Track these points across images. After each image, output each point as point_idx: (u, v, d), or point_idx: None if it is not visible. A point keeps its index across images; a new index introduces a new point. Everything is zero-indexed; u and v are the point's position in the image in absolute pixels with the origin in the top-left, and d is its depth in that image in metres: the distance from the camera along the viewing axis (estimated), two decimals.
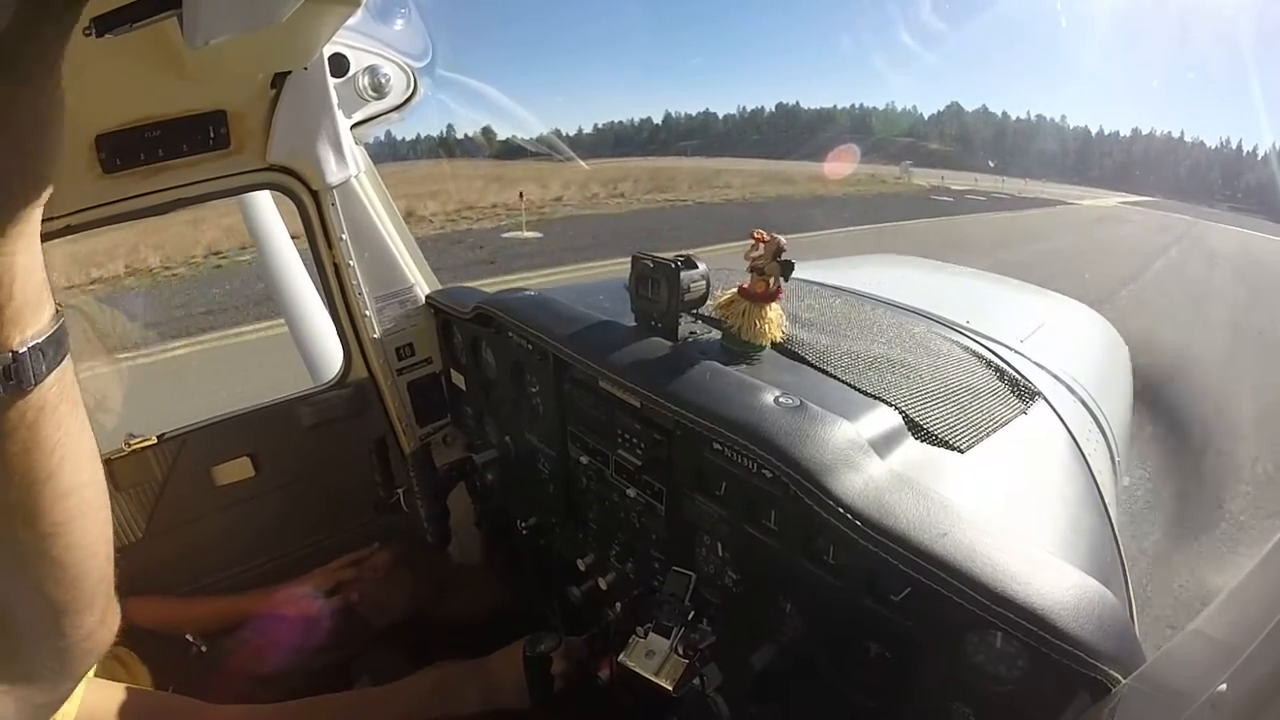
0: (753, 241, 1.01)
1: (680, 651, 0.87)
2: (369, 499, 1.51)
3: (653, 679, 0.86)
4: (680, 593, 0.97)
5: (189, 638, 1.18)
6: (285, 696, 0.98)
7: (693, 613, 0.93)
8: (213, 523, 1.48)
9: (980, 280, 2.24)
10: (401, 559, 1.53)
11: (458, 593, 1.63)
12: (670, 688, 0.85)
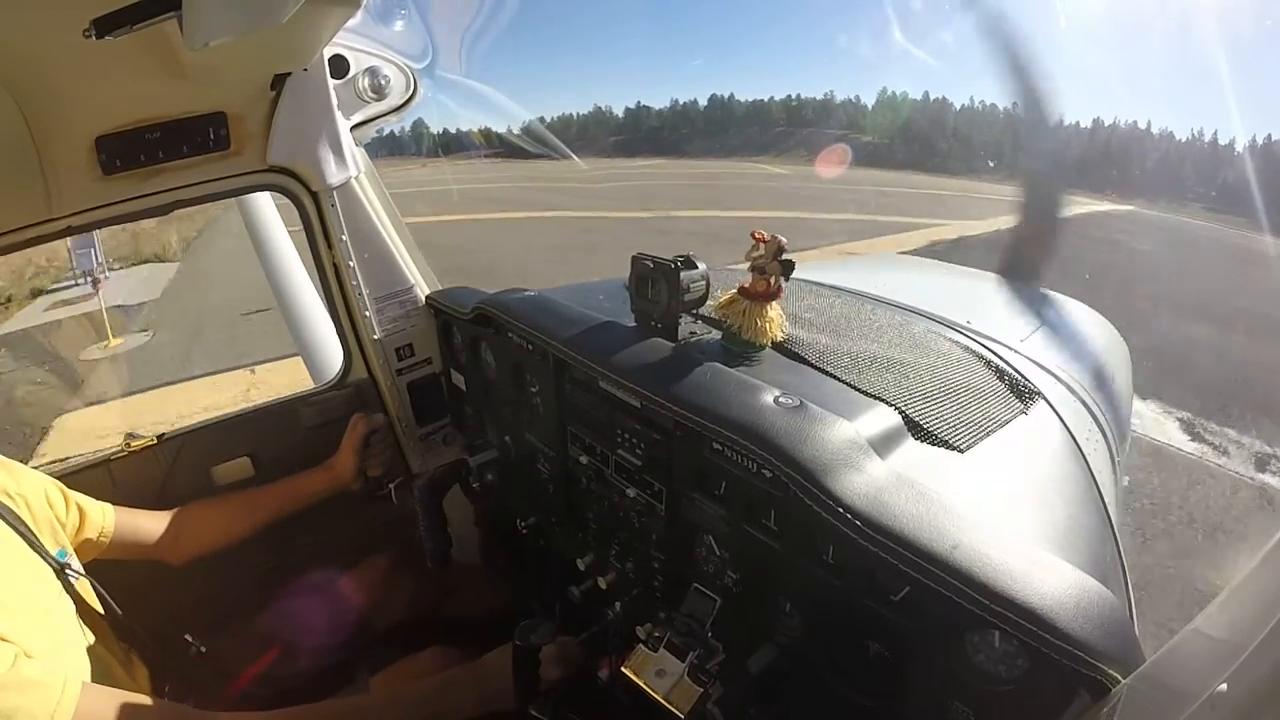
0: (753, 242, 1.01)
1: (694, 677, 0.87)
2: (369, 500, 1.51)
3: (664, 702, 0.85)
4: (703, 617, 0.94)
5: (188, 638, 1.18)
6: (285, 697, 0.98)
7: (722, 655, 0.90)
8: None
9: (980, 280, 2.24)
10: (401, 560, 1.53)
11: (458, 593, 1.62)
12: (681, 717, 0.84)
